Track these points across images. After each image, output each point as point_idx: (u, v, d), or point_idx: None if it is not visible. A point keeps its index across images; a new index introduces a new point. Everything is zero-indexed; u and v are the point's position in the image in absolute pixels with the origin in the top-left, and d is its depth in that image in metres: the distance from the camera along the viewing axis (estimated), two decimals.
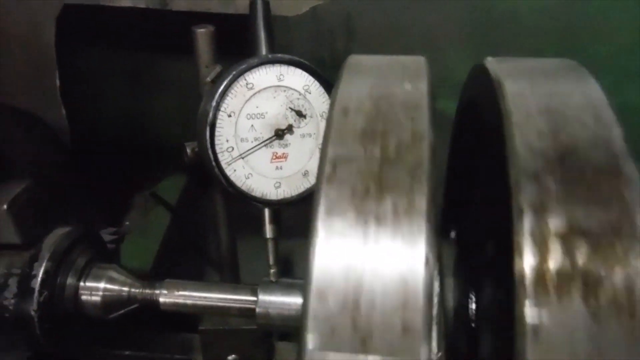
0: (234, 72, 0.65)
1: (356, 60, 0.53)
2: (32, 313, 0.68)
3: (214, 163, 0.66)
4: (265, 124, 0.67)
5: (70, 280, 0.72)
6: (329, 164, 0.41)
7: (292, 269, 1.05)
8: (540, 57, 0.55)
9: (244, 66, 0.65)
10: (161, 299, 0.73)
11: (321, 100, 0.67)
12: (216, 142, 0.65)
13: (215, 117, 0.65)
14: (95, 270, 0.74)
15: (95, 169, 1.04)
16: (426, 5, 0.96)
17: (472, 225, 0.60)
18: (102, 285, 0.73)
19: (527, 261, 0.35)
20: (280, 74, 0.66)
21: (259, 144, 0.67)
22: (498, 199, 0.45)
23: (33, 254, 0.71)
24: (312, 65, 0.67)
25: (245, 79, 0.66)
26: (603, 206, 0.37)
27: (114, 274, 0.74)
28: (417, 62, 0.52)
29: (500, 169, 0.42)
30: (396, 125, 0.43)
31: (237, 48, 0.76)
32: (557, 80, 0.50)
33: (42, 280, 0.69)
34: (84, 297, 0.73)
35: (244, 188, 0.67)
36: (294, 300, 0.69)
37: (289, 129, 0.67)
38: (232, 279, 0.92)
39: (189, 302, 0.72)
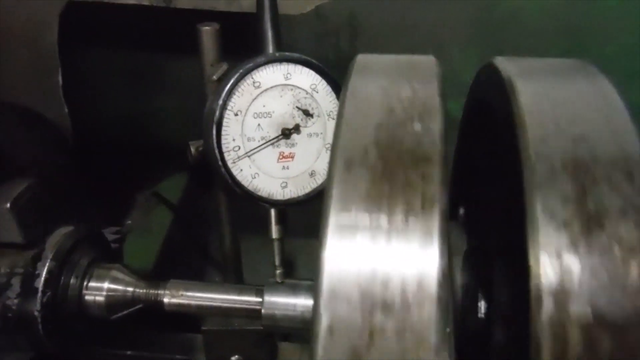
0: (241, 71, 0.65)
1: (364, 62, 0.52)
2: (36, 313, 0.68)
3: (220, 162, 0.65)
4: (272, 123, 0.66)
5: (73, 280, 0.72)
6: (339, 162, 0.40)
7: (295, 268, 1.05)
8: (547, 57, 0.55)
9: (250, 64, 0.65)
10: (165, 300, 0.72)
11: (328, 100, 0.67)
12: (223, 141, 0.65)
13: (221, 116, 0.64)
14: (98, 270, 0.74)
15: (97, 168, 1.04)
16: (430, 5, 0.96)
17: (481, 226, 0.59)
18: (105, 285, 0.73)
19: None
20: (288, 73, 0.66)
21: (265, 143, 0.66)
22: (509, 201, 0.44)
23: (36, 254, 0.70)
24: (319, 64, 0.66)
25: (252, 78, 0.65)
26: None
27: (118, 274, 0.73)
28: (428, 64, 0.51)
29: (511, 169, 0.42)
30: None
31: (241, 47, 0.76)
32: (569, 80, 0.49)
33: (46, 280, 0.69)
34: (87, 297, 0.72)
35: (250, 188, 0.67)
36: (300, 302, 0.68)
37: (296, 128, 0.66)
38: (235, 279, 0.92)
39: (193, 303, 0.72)
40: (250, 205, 0.70)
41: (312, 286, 0.69)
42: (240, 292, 0.72)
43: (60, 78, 0.91)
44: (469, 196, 0.65)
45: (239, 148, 0.66)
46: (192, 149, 0.72)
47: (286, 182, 0.67)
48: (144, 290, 0.73)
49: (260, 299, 0.70)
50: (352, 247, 0.36)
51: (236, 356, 0.88)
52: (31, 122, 0.88)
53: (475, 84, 0.60)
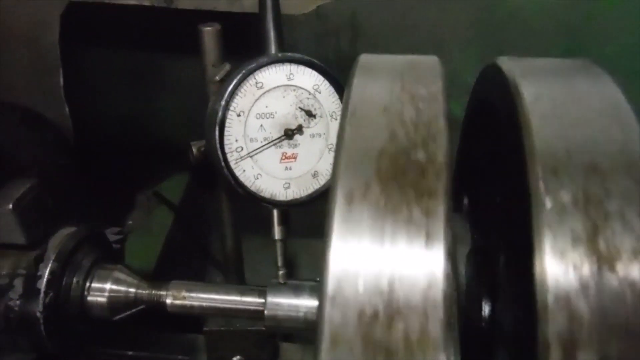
0: (244, 71, 0.64)
1: (367, 64, 0.52)
2: (38, 314, 0.68)
3: (223, 163, 0.65)
4: (274, 124, 0.66)
5: (76, 281, 0.72)
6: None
7: (296, 268, 1.05)
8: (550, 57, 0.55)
9: (253, 65, 0.65)
10: (168, 301, 0.72)
11: (331, 100, 0.67)
12: (225, 141, 0.65)
13: (224, 117, 0.64)
14: (101, 271, 0.73)
15: (98, 168, 1.03)
16: (431, 5, 0.96)
17: (484, 224, 0.59)
18: (108, 286, 0.72)
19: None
20: (290, 73, 0.65)
21: (268, 144, 0.66)
22: (512, 201, 0.44)
23: (38, 255, 0.70)
24: (322, 64, 0.66)
25: (255, 78, 0.65)
26: None
27: (120, 275, 0.73)
28: (431, 66, 0.51)
29: (514, 170, 0.42)
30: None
31: (242, 47, 0.76)
32: (573, 80, 0.49)
33: (48, 281, 0.69)
34: (89, 299, 0.72)
35: (253, 189, 0.66)
36: (303, 303, 0.68)
37: (299, 129, 0.66)
38: (236, 280, 0.92)
39: (196, 304, 0.72)
40: (251, 206, 0.69)
41: (315, 287, 0.69)
42: (242, 293, 0.72)
43: (61, 78, 0.91)
44: (471, 195, 0.65)
45: (242, 149, 0.65)
46: (194, 150, 0.72)
47: (289, 183, 0.67)
48: (147, 291, 0.72)
49: (262, 300, 0.70)
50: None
51: (238, 357, 0.88)
52: (33, 123, 0.88)
53: (478, 84, 0.60)
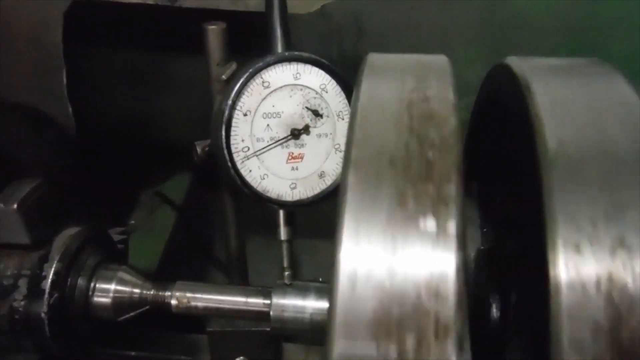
0: (250, 70, 0.64)
1: (375, 62, 0.52)
2: (43, 315, 0.67)
3: (229, 163, 0.64)
4: (281, 124, 0.66)
5: (80, 282, 0.71)
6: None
7: (298, 269, 1.04)
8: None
9: (260, 64, 0.64)
10: (173, 302, 0.71)
11: (338, 100, 0.66)
12: (232, 141, 0.64)
13: (230, 116, 0.64)
14: (105, 271, 0.73)
15: (100, 168, 1.03)
16: (436, 5, 0.96)
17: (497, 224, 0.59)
18: (113, 286, 0.72)
19: None
20: (297, 73, 0.65)
21: (274, 143, 0.66)
22: (523, 201, 0.44)
23: (43, 255, 0.70)
24: (329, 63, 0.66)
25: (262, 77, 0.64)
26: None
27: (125, 276, 0.73)
28: (441, 64, 0.51)
29: (526, 170, 0.41)
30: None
31: (246, 46, 0.75)
32: (584, 79, 0.49)
33: (53, 281, 0.68)
34: (94, 299, 0.72)
35: (259, 189, 0.66)
36: (309, 304, 0.68)
37: (306, 129, 0.66)
38: (240, 280, 0.92)
39: (201, 305, 0.71)
40: (253, 206, 0.69)
41: (322, 288, 0.69)
42: (248, 294, 0.71)
43: (64, 77, 0.91)
44: (478, 194, 0.65)
45: (248, 149, 0.65)
46: (198, 149, 0.72)
47: (295, 183, 0.67)
48: (152, 292, 0.72)
49: (268, 301, 0.69)
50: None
51: (241, 357, 0.87)
52: (36, 122, 0.87)
53: (487, 83, 0.60)
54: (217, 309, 0.71)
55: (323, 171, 0.67)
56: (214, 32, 0.73)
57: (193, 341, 1.00)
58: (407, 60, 0.52)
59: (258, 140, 0.65)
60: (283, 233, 0.70)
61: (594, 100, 0.45)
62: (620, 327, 0.33)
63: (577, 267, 0.35)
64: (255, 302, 0.70)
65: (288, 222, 0.70)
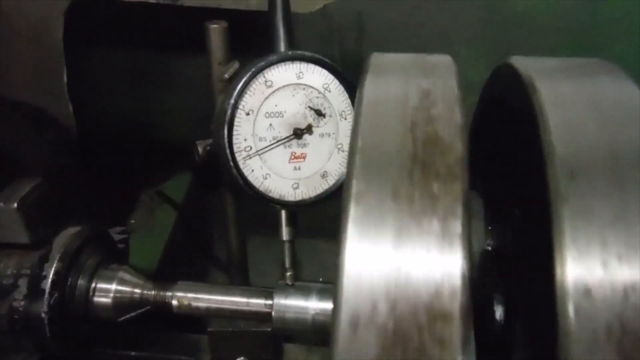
0: (253, 69, 0.63)
1: (379, 62, 0.51)
2: (43, 315, 0.67)
3: (231, 163, 0.64)
4: (283, 123, 0.65)
5: (81, 282, 0.71)
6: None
7: (300, 269, 1.04)
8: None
9: (262, 63, 0.64)
10: (174, 302, 0.71)
11: (341, 99, 0.66)
12: (234, 141, 0.64)
13: (233, 115, 0.63)
14: (106, 271, 0.73)
15: (100, 167, 1.03)
16: (437, 5, 0.95)
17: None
18: (113, 287, 0.72)
19: None
20: (300, 72, 0.65)
21: (276, 142, 0.65)
22: (527, 201, 0.44)
23: (43, 254, 0.70)
24: (332, 63, 0.65)
25: (264, 76, 0.64)
26: None
27: (126, 276, 0.73)
28: (445, 64, 0.51)
29: (533, 171, 0.41)
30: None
31: (247, 45, 0.75)
32: (589, 79, 0.49)
33: (53, 281, 0.68)
34: (95, 299, 0.71)
35: (261, 189, 0.66)
36: (311, 305, 0.68)
37: (308, 129, 0.65)
38: (240, 280, 0.91)
39: (203, 305, 0.71)
40: (254, 205, 0.69)
41: (324, 289, 0.68)
42: (250, 294, 0.71)
43: (65, 77, 0.90)
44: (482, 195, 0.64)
45: (251, 148, 0.65)
46: (200, 149, 0.71)
47: (298, 183, 0.66)
48: (153, 292, 0.72)
49: (270, 302, 0.69)
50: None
51: (242, 357, 0.87)
52: (37, 121, 0.87)
53: (490, 83, 0.60)
54: (219, 310, 0.71)
55: (325, 171, 0.67)
56: (215, 31, 0.73)
57: (193, 341, 0.99)
58: (411, 59, 0.52)
59: (260, 139, 0.65)
60: (285, 233, 0.69)
61: (600, 100, 0.45)
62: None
63: (584, 270, 0.34)
64: (257, 302, 0.70)
65: (290, 222, 0.69)
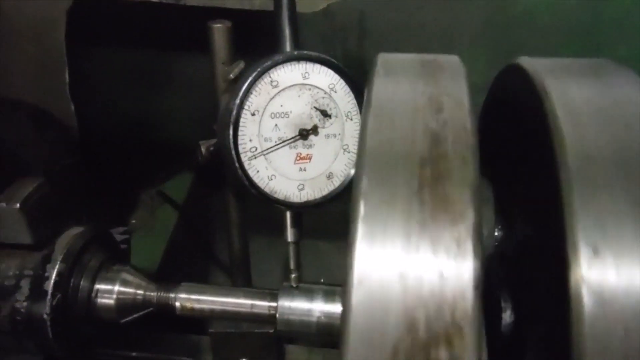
0: (259, 69, 0.63)
1: (386, 62, 0.51)
2: (45, 316, 0.67)
3: (237, 164, 0.63)
4: (289, 124, 0.65)
5: (83, 283, 0.70)
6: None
7: (303, 270, 1.04)
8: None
9: (268, 63, 0.63)
10: (178, 304, 0.70)
11: (347, 100, 0.65)
12: (239, 141, 0.63)
13: (238, 116, 0.63)
14: (109, 272, 0.72)
15: (102, 167, 1.02)
16: (441, 5, 0.95)
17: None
18: (116, 288, 0.71)
19: None
20: (306, 72, 0.64)
21: (282, 143, 0.65)
22: (543, 202, 0.43)
23: (45, 255, 0.69)
24: (338, 63, 0.65)
25: (270, 76, 0.63)
26: None
27: (128, 277, 0.72)
28: (454, 64, 0.50)
29: (544, 172, 0.41)
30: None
31: (251, 45, 0.74)
32: (599, 79, 0.48)
33: (55, 282, 0.68)
34: (97, 300, 0.71)
35: (267, 190, 0.65)
36: (316, 307, 0.67)
37: (314, 129, 0.65)
38: (243, 281, 0.91)
39: (206, 307, 0.70)
40: (256, 205, 0.68)
41: (329, 291, 0.68)
42: (254, 296, 0.70)
43: (67, 76, 0.90)
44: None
45: (256, 149, 0.64)
46: (203, 149, 0.71)
47: (303, 184, 0.66)
48: (155, 294, 0.71)
49: (274, 304, 0.68)
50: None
51: (243, 359, 0.87)
52: (39, 121, 0.86)
53: (497, 83, 0.59)
54: (222, 312, 0.70)
55: (331, 172, 0.66)
56: (219, 30, 0.73)
57: (195, 342, 0.99)
58: (419, 60, 0.51)
59: (266, 140, 0.64)
60: (290, 235, 0.69)
61: (611, 101, 0.44)
62: None
63: (599, 272, 0.34)
64: (262, 305, 0.70)
65: (295, 223, 0.69)
